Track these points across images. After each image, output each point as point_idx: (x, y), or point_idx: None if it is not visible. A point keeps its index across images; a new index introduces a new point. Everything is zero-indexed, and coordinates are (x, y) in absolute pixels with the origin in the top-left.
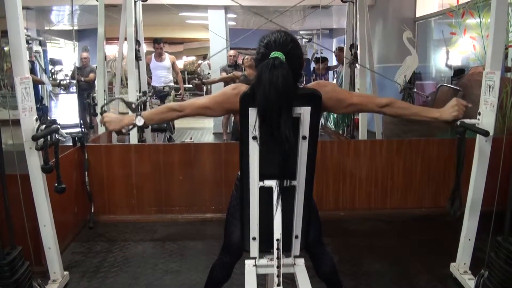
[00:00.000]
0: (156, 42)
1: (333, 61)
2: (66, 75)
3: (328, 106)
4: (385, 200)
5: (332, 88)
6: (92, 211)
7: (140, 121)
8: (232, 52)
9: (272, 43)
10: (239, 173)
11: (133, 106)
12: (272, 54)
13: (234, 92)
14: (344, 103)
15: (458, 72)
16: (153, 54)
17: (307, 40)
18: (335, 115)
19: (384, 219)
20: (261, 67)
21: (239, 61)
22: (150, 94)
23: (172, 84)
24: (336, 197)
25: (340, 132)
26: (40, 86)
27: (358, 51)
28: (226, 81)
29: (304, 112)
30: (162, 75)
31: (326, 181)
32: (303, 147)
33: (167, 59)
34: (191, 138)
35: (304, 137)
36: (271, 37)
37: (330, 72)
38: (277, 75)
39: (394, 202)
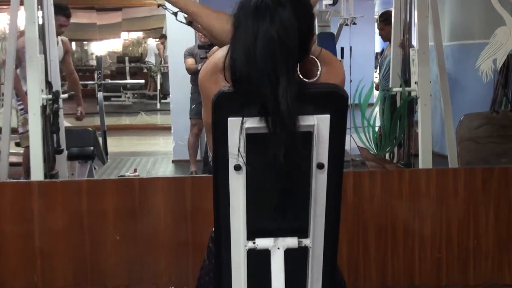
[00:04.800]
0: (60, 12)
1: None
2: None
3: None
4: (465, 272)
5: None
6: None
7: None
8: None
9: None
10: (213, 229)
11: None
12: None
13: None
14: None
15: None
16: None
17: (330, 3)
18: (375, 128)
19: None
20: (239, 13)
21: None
22: (22, 107)
23: (59, 89)
24: (382, 267)
25: (387, 156)
26: None
27: (415, 23)
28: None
29: (320, 124)
30: None
31: (364, 240)
32: (319, 182)
33: (59, 44)
34: (135, 170)
35: (320, 166)
36: None
37: None
38: (271, 19)
39: (481, 276)
